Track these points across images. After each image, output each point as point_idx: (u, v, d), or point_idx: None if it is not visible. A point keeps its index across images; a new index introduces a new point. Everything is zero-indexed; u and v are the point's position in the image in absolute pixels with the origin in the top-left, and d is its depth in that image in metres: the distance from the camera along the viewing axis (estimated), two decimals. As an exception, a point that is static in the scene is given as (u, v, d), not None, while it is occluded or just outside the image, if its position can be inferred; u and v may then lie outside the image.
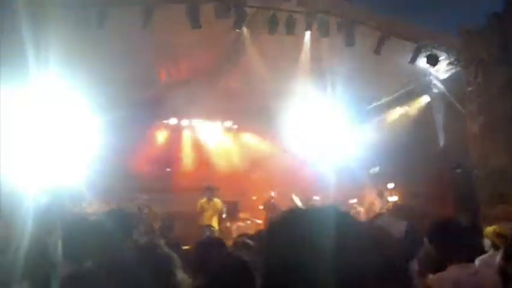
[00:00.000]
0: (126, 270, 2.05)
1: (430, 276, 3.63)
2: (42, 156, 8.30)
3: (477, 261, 4.66)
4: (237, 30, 11.26)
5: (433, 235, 3.69)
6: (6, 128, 7.48)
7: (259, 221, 14.97)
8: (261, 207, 15.28)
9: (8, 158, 7.25)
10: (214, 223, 13.36)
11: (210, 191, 13.41)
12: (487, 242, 5.15)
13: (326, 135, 15.19)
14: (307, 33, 11.73)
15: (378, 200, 14.36)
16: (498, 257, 4.27)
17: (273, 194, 15.10)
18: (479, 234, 6.47)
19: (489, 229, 5.21)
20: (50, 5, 8.63)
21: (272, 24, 10.84)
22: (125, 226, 2.98)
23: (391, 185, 15.62)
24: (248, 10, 10.75)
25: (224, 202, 13.92)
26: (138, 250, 2.14)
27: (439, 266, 3.64)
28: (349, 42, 11.18)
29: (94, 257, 2.83)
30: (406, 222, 2.59)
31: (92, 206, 12.47)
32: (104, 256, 2.68)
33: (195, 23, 10.04)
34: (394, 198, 15.55)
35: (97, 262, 2.71)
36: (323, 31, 11.02)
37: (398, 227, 2.37)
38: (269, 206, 14.81)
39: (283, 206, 14.73)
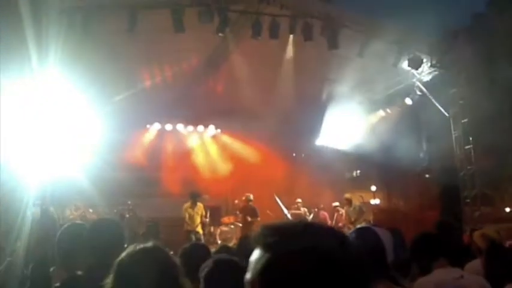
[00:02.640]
0: (132, 274, 2.02)
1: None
2: (34, 160, 8.16)
3: (466, 268, 4.67)
4: (220, 35, 11.19)
5: (416, 251, 3.74)
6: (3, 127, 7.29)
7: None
8: (237, 212, 15.00)
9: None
10: (200, 228, 13.30)
11: (195, 197, 13.33)
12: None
13: (309, 138, 15.22)
14: (291, 37, 11.74)
15: (346, 207, 13.75)
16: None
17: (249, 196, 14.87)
18: (462, 235, 6.53)
19: (477, 233, 5.20)
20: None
21: (256, 29, 10.81)
22: (117, 236, 2.93)
23: (373, 188, 15.71)
24: (232, 14, 10.72)
25: (207, 207, 13.83)
26: (143, 253, 2.10)
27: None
28: (333, 45, 11.21)
29: (89, 265, 2.79)
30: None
31: (77, 211, 12.38)
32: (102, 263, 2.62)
33: (179, 27, 10.01)
34: (376, 201, 15.65)
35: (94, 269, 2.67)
36: (307, 34, 11.03)
37: None
38: (246, 209, 14.53)
39: (266, 208, 14.72)
